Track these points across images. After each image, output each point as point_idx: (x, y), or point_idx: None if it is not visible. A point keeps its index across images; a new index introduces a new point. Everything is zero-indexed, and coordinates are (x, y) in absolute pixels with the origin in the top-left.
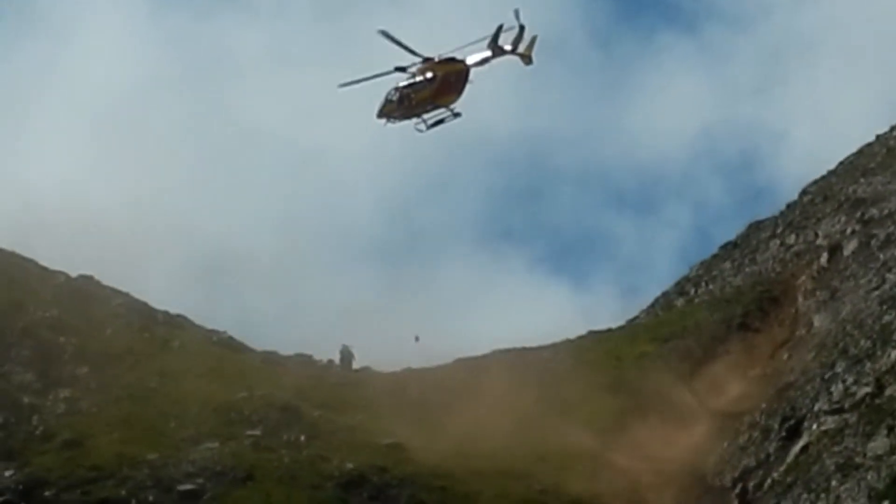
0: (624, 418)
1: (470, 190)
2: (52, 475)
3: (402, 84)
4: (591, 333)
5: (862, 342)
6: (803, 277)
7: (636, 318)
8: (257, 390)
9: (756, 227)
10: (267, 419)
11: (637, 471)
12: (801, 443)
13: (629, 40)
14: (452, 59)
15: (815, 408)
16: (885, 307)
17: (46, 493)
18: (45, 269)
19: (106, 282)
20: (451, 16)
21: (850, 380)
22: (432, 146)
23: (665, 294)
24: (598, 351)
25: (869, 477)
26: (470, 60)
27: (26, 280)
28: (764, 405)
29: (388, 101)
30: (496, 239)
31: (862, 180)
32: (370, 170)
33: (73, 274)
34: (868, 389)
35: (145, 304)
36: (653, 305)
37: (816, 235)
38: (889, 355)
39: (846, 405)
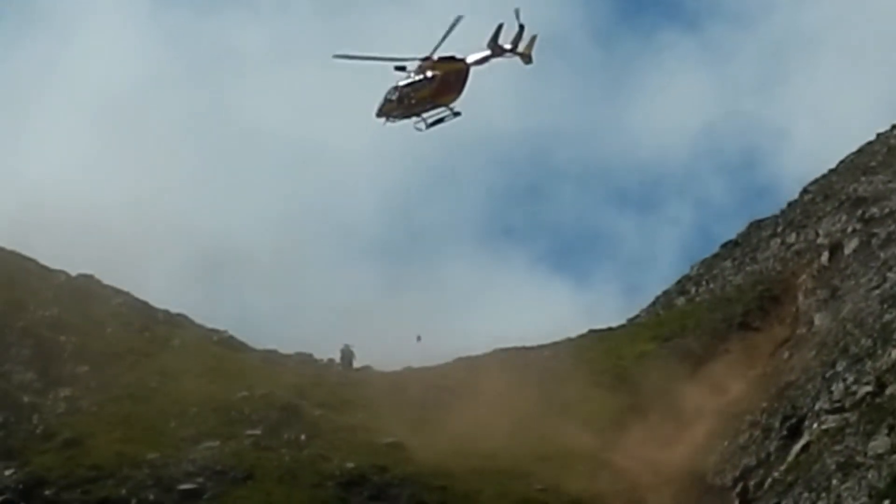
0: (624, 417)
1: (471, 188)
2: (52, 474)
3: (401, 83)
4: (592, 332)
5: (863, 341)
6: (804, 276)
7: (637, 316)
8: (257, 389)
9: (757, 225)
10: (267, 418)
11: (637, 470)
12: (801, 442)
13: (630, 38)
14: (452, 59)
15: (816, 407)
16: (885, 306)
17: (46, 493)
18: (45, 268)
19: (106, 281)
20: (451, 14)
21: (850, 379)
22: (433, 144)
23: (666, 293)
24: (598, 350)
25: (870, 476)
26: (469, 59)
27: (26, 279)
28: (764, 404)
29: (387, 101)
30: (497, 237)
31: (863, 179)
32: (371, 168)
33: (74, 273)
34: (869, 388)
35: (145, 304)
36: (653, 304)
37: (817, 234)
38: (890, 354)
39: (847, 404)
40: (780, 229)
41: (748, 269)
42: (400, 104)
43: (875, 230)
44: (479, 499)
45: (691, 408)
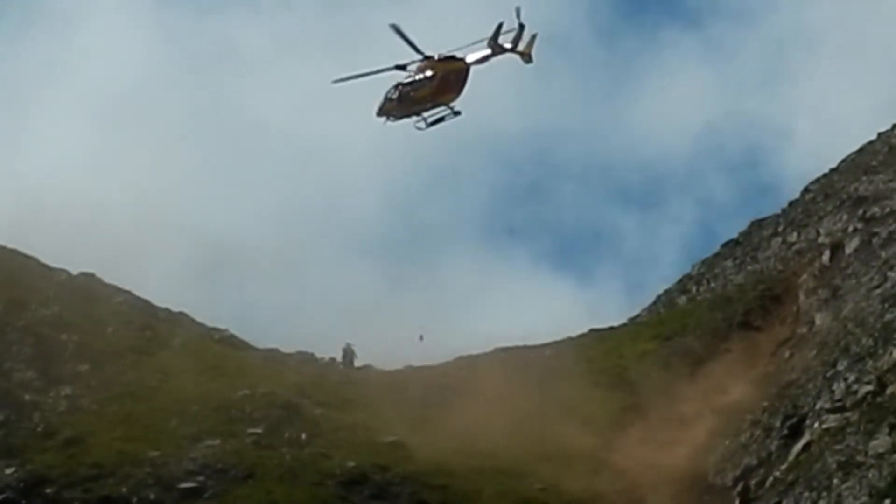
0: (625, 417)
1: (473, 186)
2: (53, 473)
3: (401, 82)
4: (593, 332)
5: (864, 340)
6: (805, 275)
7: (638, 316)
8: (258, 388)
9: (758, 225)
10: (268, 417)
11: (638, 469)
12: (802, 441)
13: (632, 37)
14: (452, 58)
15: (817, 406)
16: (886, 305)
17: (47, 491)
18: (46, 266)
19: (107, 279)
20: (453, 13)
21: (851, 378)
22: (436, 142)
23: (667, 292)
24: (599, 349)
25: (870, 475)
26: (470, 59)
27: (28, 278)
28: (765, 403)
29: (387, 100)
30: (499, 236)
31: (864, 178)
32: (372, 166)
33: (75, 271)
34: (870, 388)
35: (147, 302)
36: (655, 303)
37: (818, 233)
38: (891, 353)
39: (848, 403)
40: (781, 228)
41: (749, 268)
42: (400, 103)
43: (876, 229)
44: (480, 498)
45: (692, 407)
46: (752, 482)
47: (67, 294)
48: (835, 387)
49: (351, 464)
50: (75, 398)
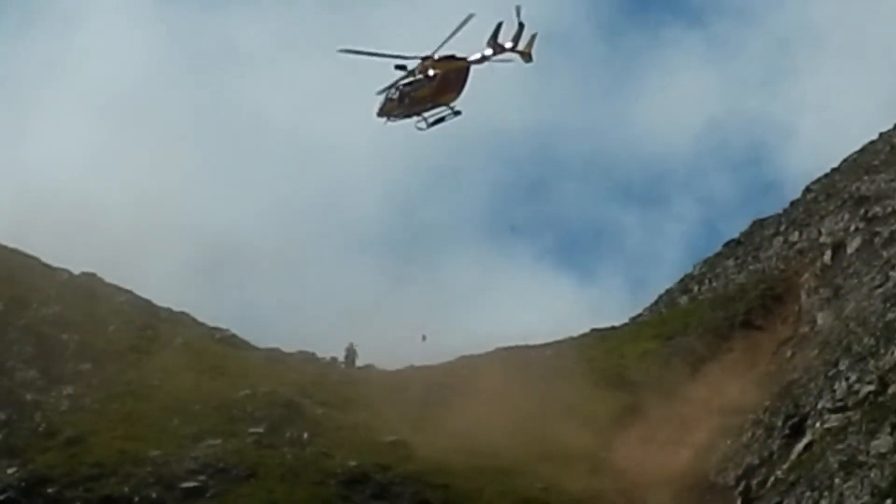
0: (626, 416)
1: (475, 184)
2: (54, 472)
3: (401, 82)
4: (594, 331)
5: (865, 340)
6: (807, 275)
7: (639, 315)
8: (260, 388)
9: (759, 224)
10: (269, 416)
11: (639, 469)
12: (804, 441)
13: (635, 34)
14: (452, 57)
15: (819, 406)
16: (888, 305)
17: (49, 491)
18: (48, 266)
19: (109, 279)
20: (454, 11)
21: (853, 378)
22: (437, 141)
23: (668, 291)
24: (600, 348)
25: (872, 475)
26: (469, 58)
27: (29, 277)
28: (767, 403)
29: (388, 100)
30: (501, 234)
31: (865, 178)
32: (374, 165)
33: (76, 271)
34: (871, 387)
35: (148, 302)
36: (656, 303)
37: (820, 233)
38: (892, 353)
39: (849, 403)
40: (782, 228)
41: (751, 267)
42: (401, 103)
43: (878, 229)
44: (481, 497)
45: (693, 407)
46: (754, 482)
47: (69, 293)
48: (836, 386)
49: (352, 463)
50: (77, 397)
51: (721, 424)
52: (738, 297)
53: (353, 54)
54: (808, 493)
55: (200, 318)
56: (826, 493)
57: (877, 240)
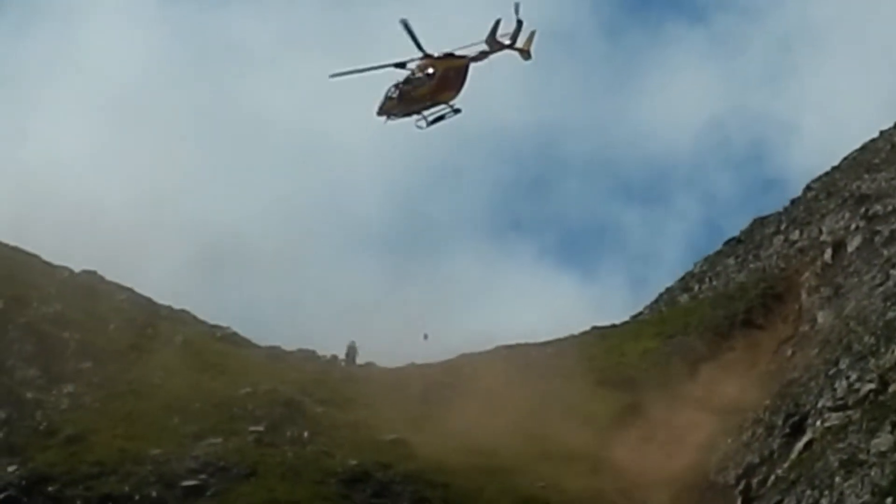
0: (627, 415)
1: (477, 182)
2: (54, 471)
3: (401, 81)
4: (595, 329)
5: (866, 339)
6: (807, 274)
7: (640, 314)
8: (260, 386)
9: (760, 222)
10: (270, 415)
11: (639, 468)
12: (804, 439)
13: (638, 31)
14: (451, 55)
15: (819, 404)
16: (888, 303)
17: (49, 489)
18: (48, 264)
19: (109, 277)
20: (454, 11)
21: (853, 376)
22: (439, 138)
23: (669, 290)
24: (601, 347)
25: (873, 473)
26: (469, 56)
27: (29, 275)
28: (767, 402)
29: (387, 98)
30: (503, 231)
31: (866, 176)
32: (376, 162)
33: (77, 269)
34: (872, 386)
35: (149, 300)
36: (656, 301)
37: (820, 231)
38: (893, 352)
39: (850, 402)
40: (783, 226)
41: (751, 266)
42: (400, 102)
43: (878, 227)
44: (481, 496)
45: (694, 406)
46: (754, 480)
47: (69, 292)
48: (837, 385)
49: (353, 462)
50: (77, 396)
51: (721, 423)
52: (739, 295)
53: (344, 75)
54: (808, 492)
55: (201, 316)
56: (826, 492)
57: (877, 238)
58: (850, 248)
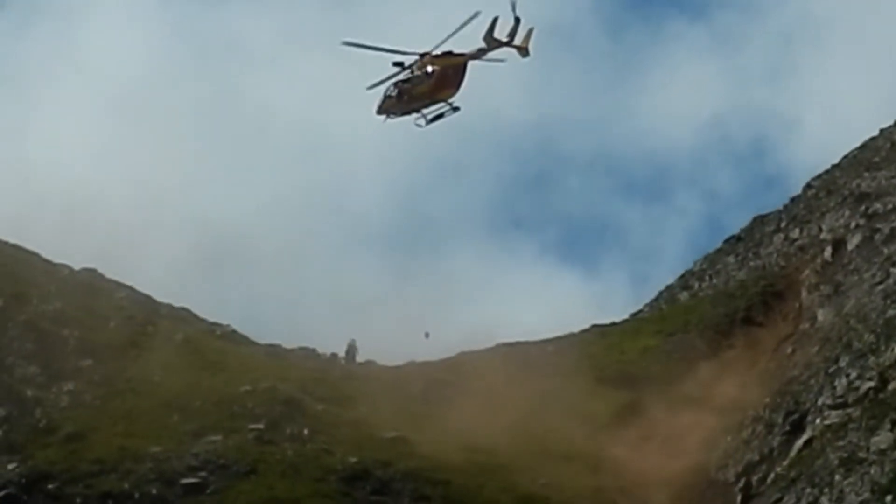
0: (627, 413)
1: (479, 178)
2: (54, 468)
3: (400, 79)
4: (595, 327)
5: (866, 336)
6: (807, 272)
7: (640, 311)
8: (260, 384)
9: (760, 220)
10: (270, 413)
11: (639, 465)
12: (804, 437)
13: (639, 28)
14: (450, 53)
15: (819, 402)
16: (888, 302)
17: (49, 487)
18: (48, 261)
19: (109, 275)
20: (457, 6)
21: (853, 374)
22: (441, 135)
23: (669, 288)
24: (601, 345)
25: (872, 471)
26: (467, 54)
27: (29, 273)
28: (767, 400)
29: (386, 97)
30: (505, 228)
31: (866, 174)
32: (377, 159)
33: (77, 267)
34: (872, 384)
35: (148, 297)
36: (656, 299)
37: (820, 230)
38: (893, 350)
39: (850, 400)
40: (783, 224)
41: (751, 264)
42: (399, 100)
43: (878, 226)
44: (482, 494)
45: (694, 403)
46: (754, 478)
47: (69, 289)
48: (836, 383)
49: (353, 459)
50: (77, 394)
51: (721, 421)
52: (739, 293)
53: (356, 47)
54: (808, 490)
55: (201, 314)
56: (826, 490)
57: (877, 236)
58: (850, 246)
